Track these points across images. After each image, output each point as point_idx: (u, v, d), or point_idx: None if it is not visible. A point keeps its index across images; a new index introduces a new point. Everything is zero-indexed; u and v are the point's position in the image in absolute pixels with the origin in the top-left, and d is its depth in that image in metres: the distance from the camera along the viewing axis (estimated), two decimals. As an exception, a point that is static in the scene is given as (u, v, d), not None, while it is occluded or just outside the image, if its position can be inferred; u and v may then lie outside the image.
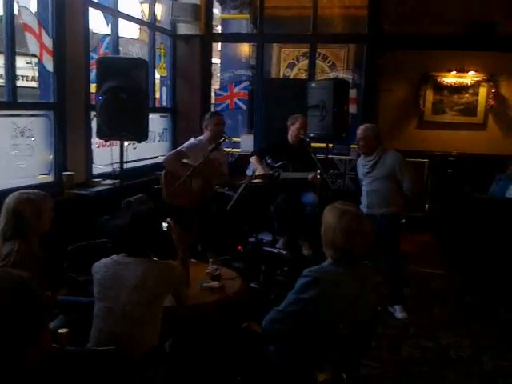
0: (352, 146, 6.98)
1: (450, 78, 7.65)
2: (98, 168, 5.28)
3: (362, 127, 4.55)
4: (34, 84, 5.15)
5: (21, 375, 1.41)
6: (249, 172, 5.46)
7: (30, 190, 2.97)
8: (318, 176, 4.86)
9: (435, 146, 7.35)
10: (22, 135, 4.33)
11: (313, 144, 5.38)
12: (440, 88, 7.73)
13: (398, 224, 4.55)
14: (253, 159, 5.49)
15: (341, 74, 8.28)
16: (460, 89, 7.68)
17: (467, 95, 7.69)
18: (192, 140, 5.04)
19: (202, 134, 5.15)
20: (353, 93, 6.86)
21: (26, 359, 1.42)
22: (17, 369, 1.41)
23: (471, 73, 7.55)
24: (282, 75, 8.67)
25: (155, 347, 2.59)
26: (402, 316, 4.41)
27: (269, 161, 5.38)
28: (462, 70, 7.55)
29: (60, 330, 2.47)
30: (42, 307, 1.47)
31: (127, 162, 4.87)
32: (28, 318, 1.42)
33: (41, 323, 1.47)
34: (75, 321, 2.78)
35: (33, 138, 4.45)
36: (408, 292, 4.70)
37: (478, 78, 7.55)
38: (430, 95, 7.76)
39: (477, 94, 7.62)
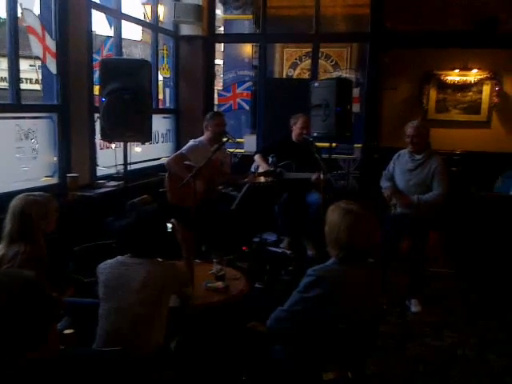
0: (356, 145, 6.98)
1: (454, 76, 7.63)
2: (101, 170, 5.29)
3: (413, 124, 4.42)
4: (38, 87, 5.17)
5: (26, 375, 1.42)
6: (253, 169, 5.45)
7: (36, 192, 2.99)
8: (322, 177, 4.86)
9: (439, 144, 7.27)
10: (27, 138, 4.35)
11: (316, 143, 5.36)
12: (443, 86, 7.70)
13: (430, 225, 4.55)
14: (257, 157, 5.49)
15: (344, 74, 8.27)
16: (463, 87, 7.65)
17: (471, 93, 7.66)
18: (191, 142, 5.03)
19: (202, 135, 5.15)
20: (356, 92, 6.86)
21: (32, 359, 1.43)
22: (23, 368, 1.41)
23: (474, 71, 7.52)
24: (284, 75, 8.66)
25: (161, 347, 2.60)
26: (417, 309, 4.46)
27: (273, 159, 5.37)
28: (466, 68, 7.53)
29: (65, 331, 2.48)
30: (50, 307, 1.48)
31: (131, 163, 4.88)
32: (35, 317, 1.42)
33: (48, 323, 1.47)
34: (81, 322, 2.79)
35: (37, 141, 4.46)
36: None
37: (482, 76, 7.52)
38: (433, 93, 7.74)
39: (480, 92, 7.59)
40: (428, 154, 4.40)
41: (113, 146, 5.45)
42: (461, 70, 7.55)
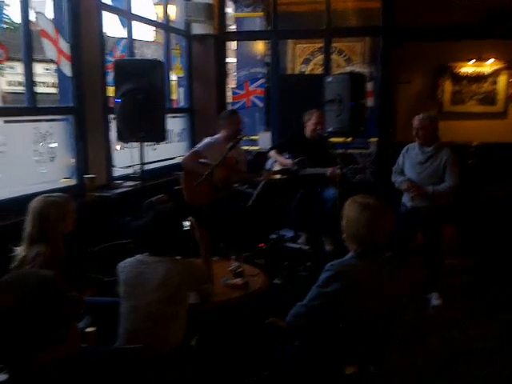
0: (371, 139, 6.95)
1: (468, 68, 7.55)
2: (118, 170, 5.32)
3: (419, 117, 4.39)
4: (54, 90, 5.22)
5: (46, 373, 1.43)
6: (268, 166, 5.45)
7: (54, 194, 3.03)
8: (338, 171, 4.84)
9: (455, 136, 7.23)
10: (44, 140, 4.39)
11: (331, 139, 5.35)
12: (458, 78, 7.63)
13: (444, 216, 4.53)
14: (273, 153, 5.47)
15: (357, 68, 8.22)
16: (479, 78, 7.57)
17: (486, 84, 7.57)
18: (207, 140, 5.04)
19: (218, 133, 5.15)
20: (370, 86, 6.82)
21: (52, 357, 1.44)
22: (43, 366, 1.43)
23: (489, 62, 7.44)
24: (297, 71, 8.63)
25: (181, 344, 2.62)
26: (438, 303, 4.45)
27: (287, 156, 5.37)
28: (480, 59, 7.45)
29: (87, 330, 2.51)
30: (68, 306, 1.49)
31: (147, 163, 4.90)
32: (53, 315, 1.44)
33: (67, 321, 1.49)
34: (102, 321, 2.82)
35: (54, 143, 4.51)
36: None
37: (497, 67, 7.44)
38: (448, 86, 7.66)
39: (496, 83, 7.51)
40: (437, 146, 4.39)
41: (117, 147, 5.47)
42: (476, 60, 7.47)
